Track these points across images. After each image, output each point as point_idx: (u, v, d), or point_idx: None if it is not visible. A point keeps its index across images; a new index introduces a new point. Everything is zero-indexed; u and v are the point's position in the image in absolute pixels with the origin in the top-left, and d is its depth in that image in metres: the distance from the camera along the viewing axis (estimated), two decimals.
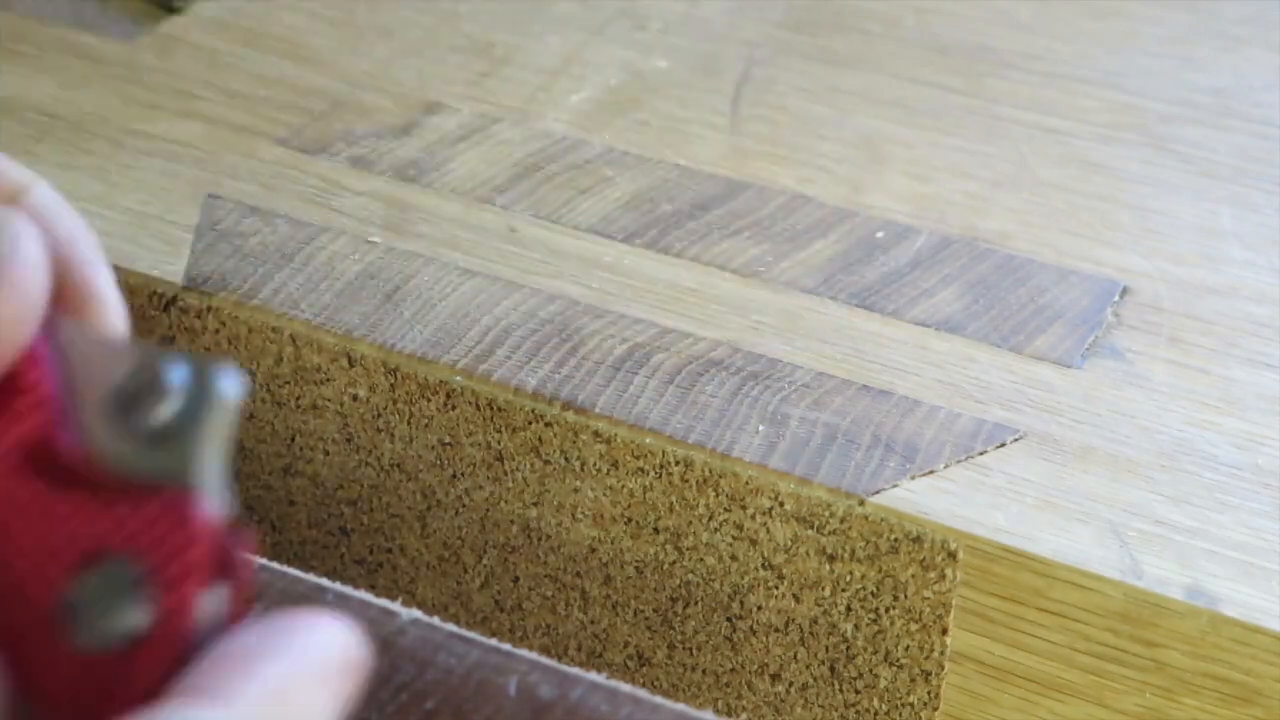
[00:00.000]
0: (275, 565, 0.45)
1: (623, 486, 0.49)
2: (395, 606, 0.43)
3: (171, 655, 0.32)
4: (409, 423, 0.50)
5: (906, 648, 0.47)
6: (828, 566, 0.47)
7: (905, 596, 0.46)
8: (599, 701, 0.40)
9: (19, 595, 0.32)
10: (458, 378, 0.49)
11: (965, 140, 0.60)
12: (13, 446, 0.33)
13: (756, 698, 0.49)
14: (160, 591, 0.32)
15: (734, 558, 0.48)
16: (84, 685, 0.32)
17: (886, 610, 0.47)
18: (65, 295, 0.35)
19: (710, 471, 0.47)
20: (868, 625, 0.47)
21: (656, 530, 0.49)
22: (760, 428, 0.48)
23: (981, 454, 0.48)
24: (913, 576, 0.46)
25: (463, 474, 0.50)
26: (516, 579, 0.51)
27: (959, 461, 0.47)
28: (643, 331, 0.51)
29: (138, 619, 0.32)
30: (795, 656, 0.48)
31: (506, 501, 0.50)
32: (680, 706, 0.41)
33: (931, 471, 0.47)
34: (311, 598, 0.44)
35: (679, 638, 0.50)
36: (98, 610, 0.32)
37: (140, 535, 0.32)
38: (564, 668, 0.41)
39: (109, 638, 0.32)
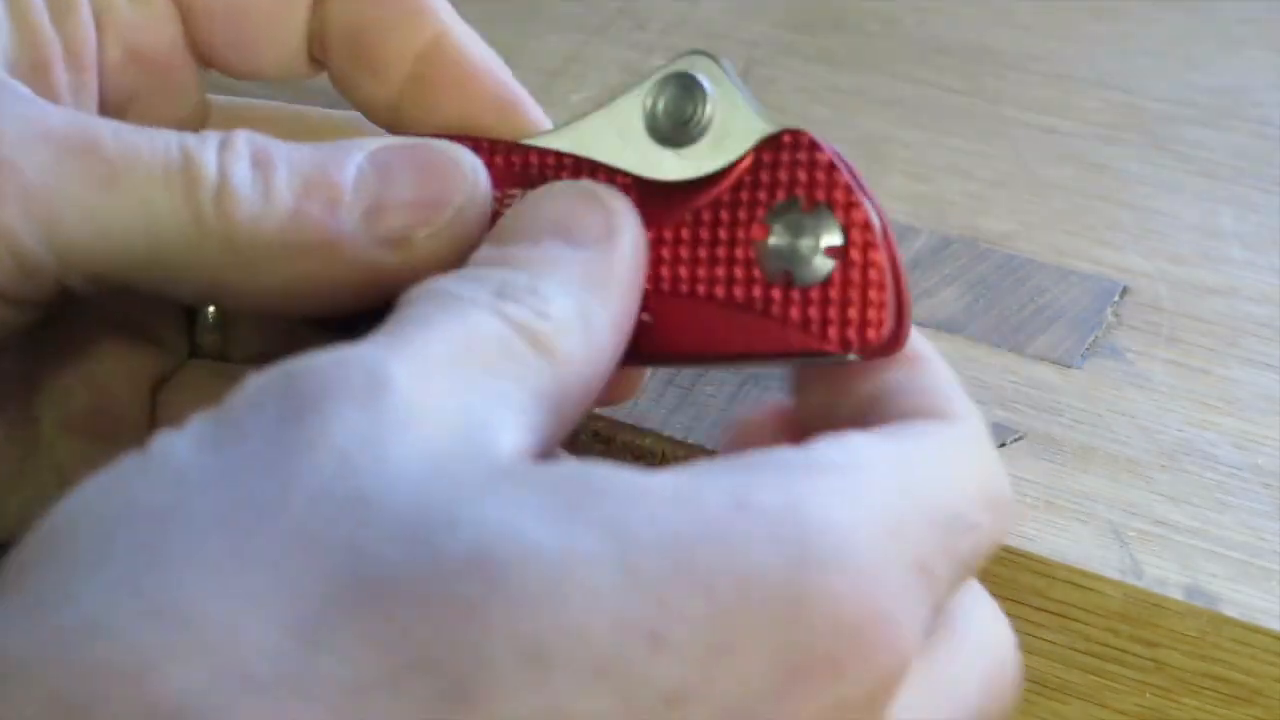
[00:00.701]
0: None
1: None
2: None
3: (873, 261, 0.37)
4: None
5: None
6: None
7: None
8: None
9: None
10: None
11: (965, 140, 0.60)
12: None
13: None
14: (840, 211, 0.37)
15: None
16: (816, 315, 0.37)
17: None
18: (505, 108, 0.42)
19: None
20: None
21: None
22: None
23: None
24: None
25: None
26: None
27: None
28: None
29: (835, 239, 0.37)
30: None
31: None
32: None
33: None
34: None
35: None
36: (804, 249, 0.37)
37: (794, 182, 0.37)
38: None
39: (821, 269, 0.37)
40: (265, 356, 0.33)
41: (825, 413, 0.37)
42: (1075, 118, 0.61)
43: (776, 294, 0.37)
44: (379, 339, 0.32)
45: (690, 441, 0.48)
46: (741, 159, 0.38)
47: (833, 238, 0.37)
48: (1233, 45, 0.65)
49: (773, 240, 0.37)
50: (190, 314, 0.44)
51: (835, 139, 0.57)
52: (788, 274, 0.37)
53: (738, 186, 0.38)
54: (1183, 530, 0.45)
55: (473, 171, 0.38)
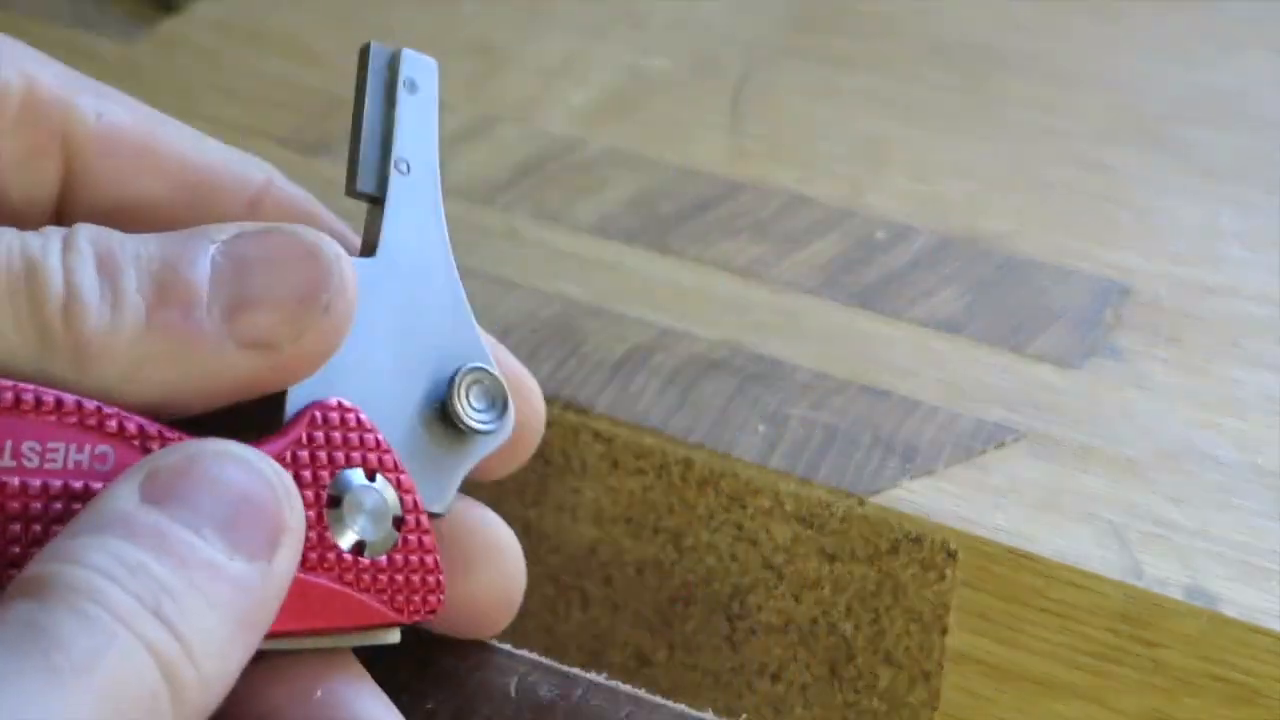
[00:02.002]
0: None
1: (623, 486, 0.49)
2: None
3: (425, 529, 0.37)
4: None
5: (906, 648, 0.47)
6: (828, 566, 0.47)
7: (905, 596, 0.46)
8: (599, 701, 0.40)
9: None
10: None
11: (965, 140, 0.60)
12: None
13: (756, 698, 0.49)
14: (394, 481, 0.37)
15: (734, 558, 0.48)
16: None
17: (886, 610, 0.47)
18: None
19: (710, 471, 0.47)
20: (868, 625, 0.47)
21: (656, 530, 0.49)
22: (760, 428, 0.48)
23: (981, 454, 0.48)
24: (913, 576, 0.46)
25: None
26: None
27: (959, 461, 0.47)
28: (643, 331, 0.51)
29: (398, 510, 0.37)
30: (795, 656, 0.48)
31: (506, 501, 0.50)
32: (680, 706, 0.41)
33: (931, 471, 0.47)
34: None
35: (679, 638, 0.50)
36: (374, 520, 0.36)
37: (349, 452, 0.36)
38: (564, 668, 0.41)
39: (390, 540, 0.36)
40: None
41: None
42: (1075, 118, 0.61)
43: (354, 565, 0.36)
44: (10, 673, 0.29)
45: (690, 441, 0.48)
46: (292, 427, 0.36)
47: (396, 508, 0.36)
48: (1233, 45, 0.65)
49: (345, 511, 0.36)
50: None
51: (835, 139, 0.57)
52: (360, 545, 0.36)
53: (296, 459, 0.36)
54: (1183, 530, 0.45)
55: (336, 259, 0.35)
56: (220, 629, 0.31)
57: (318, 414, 0.36)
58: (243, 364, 0.34)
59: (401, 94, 0.39)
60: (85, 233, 0.34)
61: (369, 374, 0.37)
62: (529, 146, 0.59)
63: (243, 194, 0.40)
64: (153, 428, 0.34)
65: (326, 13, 0.65)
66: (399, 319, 0.38)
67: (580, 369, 0.50)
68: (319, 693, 0.35)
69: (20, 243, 0.34)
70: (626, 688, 0.41)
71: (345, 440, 0.36)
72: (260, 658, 0.34)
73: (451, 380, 0.38)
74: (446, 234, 0.39)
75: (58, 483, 0.33)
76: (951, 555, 0.45)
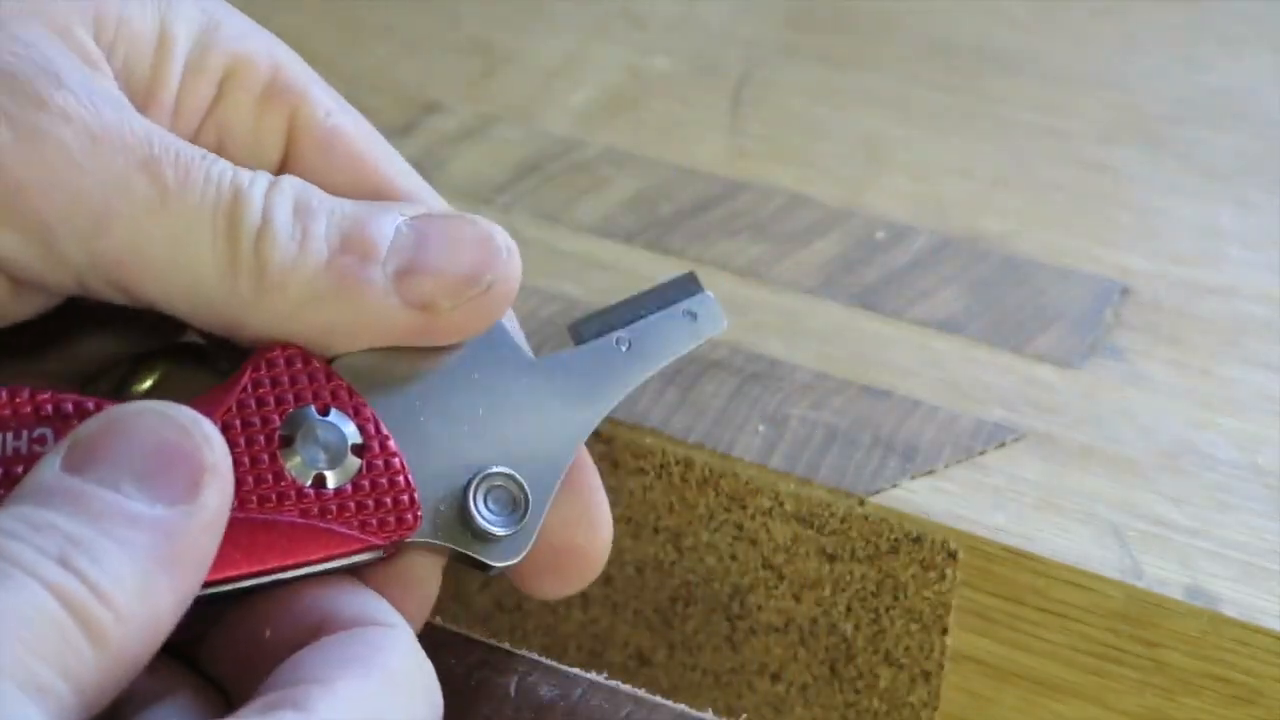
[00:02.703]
0: None
1: (623, 486, 0.49)
2: None
3: (391, 453, 0.38)
4: None
5: (906, 648, 0.47)
6: (828, 566, 0.47)
7: (905, 596, 0.46)
8: (599, 701, 0.40)
9: None
10: None
11: (965, 140, 0.60)
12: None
13: (756, 698, 0.49)
14: (350, 411, 0.38)
15: (734, 558, 0.48)
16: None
17: (886, 610, 0.47)
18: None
19: (710, 471, 0.47)
20: (868, 625, 0.47)
21: (656, 530, 0.49)
22: (760, 428, 0.48)
23: (981, 454, 0.48)
24: (913, 576, 0.46)
25: None
26: None
27: (959, 461, 0.47)
28: None
29: (356, 437, 0.38)
30: (795, 656, 0.48)
31: None
32: (680, 706, 0.41)
33: (931, 471, 0.47)
34: None
35: (679, 638, 0.50)
36: (332, 450, 0.37)
37: (299, 391, 0.38)
38: (564, 668, 0.41)
39: (351, 468, 0.37)
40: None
41: (266, 639, 0.37)
42: (1075, 118, 0.61)
43: (316, 498, 0.37)
44: None
45: (690, 441, 0.48)
46: (239, 376, 0.37)
47: (354, 436, 0.37)
48: (1233, 45, 0.65)
49: (299, 447, 0.37)
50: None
51: (835, 139, 0.57)
52: (320, 477, 0.37)
53: (242, 405, 0.37)
54: (1183, 530, 0.45)
55: (507, 251, 0.39)
56: (137, 572, 0.32)
57: (262, 361, 0.38)
58: (402, 319, 0.38)
59: (676, 312, 0.42)
60: (290, 180, 0.38)
61: (448, 433, 0.39)
62: (529, 146, 0.59)
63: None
64: (89, 403, 0.36)
65: (326, 13, 0.65)
66: (503, 402, 0.39)
67: None
68: (306, 601, 0.37)
69: (233, 174, 0.37)
70: (626, 688, 0.41)
71: (293, 381, 0.38)
72: (257, 595, 0.36)
73: (472, 480, 0.39)
74: (603, 413, 0.41)
75: None
76: (951, 555, 0.45)
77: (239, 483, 0.36)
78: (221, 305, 0.37)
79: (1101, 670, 0.45)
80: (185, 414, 0.34)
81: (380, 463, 0.37)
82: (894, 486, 0.46)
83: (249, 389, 0.37)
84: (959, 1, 0.67)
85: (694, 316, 0.42)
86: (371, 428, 0.38)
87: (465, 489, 0.38)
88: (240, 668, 0.36)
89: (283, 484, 0.37)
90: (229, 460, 0.34)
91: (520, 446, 0.39)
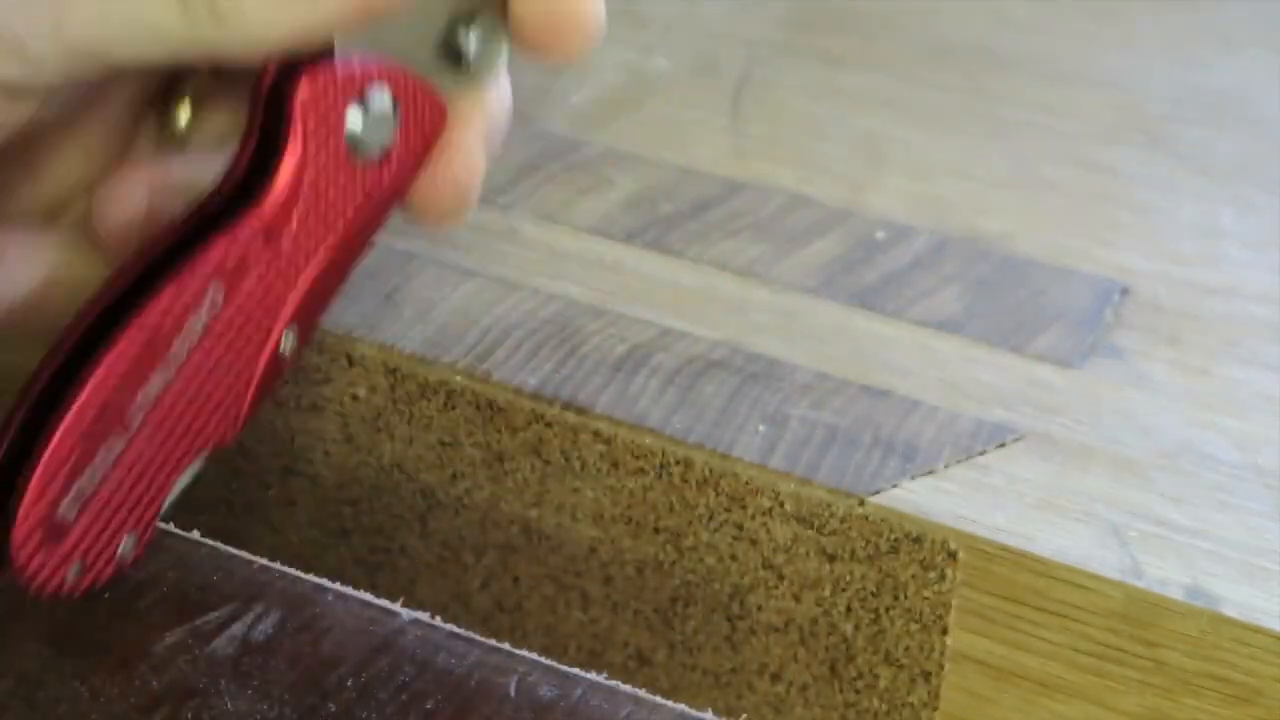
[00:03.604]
0: (275, 565, 0.45)
1: (623, 486, 0.49)
2: (395, 607, 0.43)
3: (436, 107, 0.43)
4: (409, 423, 0.50)
5: (906, 648, 0.47)
6: (828, 566, 0.47)
7: (905, 596, 0.46)
8: (599, 701, 0.40)
9: None
10: (458, 378, 0.49)
11: (965, 140, 0.60)
12: None
13: (756, 698, 0.49)
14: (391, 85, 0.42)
15: (734, 558, 0.48)
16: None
17: (886, 610, 0.47)
18: None
19: (710, 471, 0.47)
20: (868, 625, 0.47)
21: (656, 530, 0.49)
22: (760, 428, 0.48)
23: (981, 454, 0.48)
24: (913, 576, 0.46)
25: (463, 474, 0.50)
26: (516, 579, 0.51)
27: (959, 461, 0.47)
28: (643, 331, 0.51)
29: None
30: (795, 656, 0.48)
31: (506, 502, 0.50)
32: (680, 706, 0.41)
33: (931, 471, 0.47)
34: (311, 598, 0.44)
35: (679, 638, 0.50)
36: (382, 121, 0.42)
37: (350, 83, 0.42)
38: (564, 668, 0.41)
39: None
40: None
41: None
42: (1075, 118, 0.61)
43: (376, 176, 0.42)
44: None
45: (690, 441, 0.48)
46: (290, 120, 0.41)
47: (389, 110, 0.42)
48: (1233, 45, 0.65)
49: (358, 122, 0.42)
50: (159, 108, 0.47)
51: (835, 139, 0.57)
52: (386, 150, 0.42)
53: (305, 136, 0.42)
54: (1183, 530, 0.45)
55: None
56: None
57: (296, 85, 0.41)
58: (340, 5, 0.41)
59: None
60: None
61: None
62: (529, 146, 0.59)
63: None
64: None
65: None
66: None
67: (580, 369, 0.50)
68: None
69: None
70: (626, 688, 0.41)
71: (334, 97, 0.41)
72: None
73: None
74: None
75: None
76: (951, 555, 0.45)
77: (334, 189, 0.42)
78: (195, 44, 0.40)
79: (1101, 670, 0.45)
80: None
81: (415, 123, 0.42)
82: (894, 486, 0.46)
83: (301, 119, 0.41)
84: (959, 1, 0.67)
85: None
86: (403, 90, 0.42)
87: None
88: None
89: (354, 165, 0.42)
90: None
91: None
